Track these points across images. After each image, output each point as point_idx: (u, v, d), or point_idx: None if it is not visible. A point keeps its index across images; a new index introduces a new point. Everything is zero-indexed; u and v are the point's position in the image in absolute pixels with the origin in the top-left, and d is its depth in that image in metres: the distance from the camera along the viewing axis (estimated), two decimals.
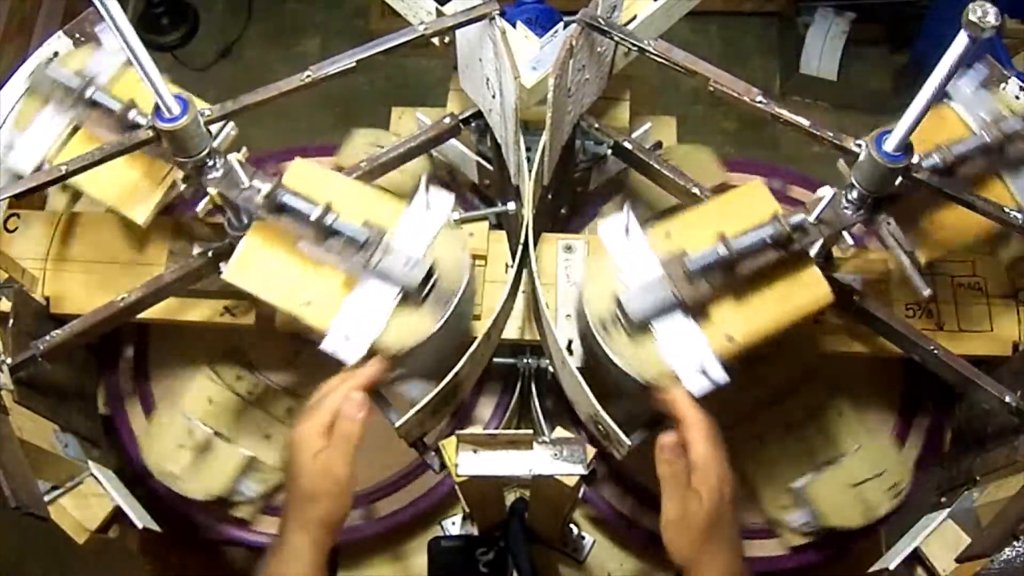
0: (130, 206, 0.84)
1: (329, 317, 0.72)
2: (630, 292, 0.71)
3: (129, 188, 0.84)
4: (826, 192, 0.73)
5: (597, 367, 0.77)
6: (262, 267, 0.75)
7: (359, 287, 0.73)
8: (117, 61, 0.85)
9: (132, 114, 0.80)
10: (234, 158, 0.75)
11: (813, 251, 0.81)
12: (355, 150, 1.11)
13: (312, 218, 0.71)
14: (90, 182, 0.82)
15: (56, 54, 0.90)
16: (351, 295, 0.73)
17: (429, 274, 0.72)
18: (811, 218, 0.72)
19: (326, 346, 0.72)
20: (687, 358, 0.70)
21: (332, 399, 0.72)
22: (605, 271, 0.74)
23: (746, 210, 0.74)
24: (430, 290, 0.73)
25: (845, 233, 0.75)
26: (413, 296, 0.72)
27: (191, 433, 0.97)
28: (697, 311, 0.72)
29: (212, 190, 0.76)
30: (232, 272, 0.75)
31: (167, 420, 0.99)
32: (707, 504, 0.67)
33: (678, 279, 0.70)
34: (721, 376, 0.70)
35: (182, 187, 0.81)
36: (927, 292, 0.74)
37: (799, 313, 0.73)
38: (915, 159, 0.69)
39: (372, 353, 0.72)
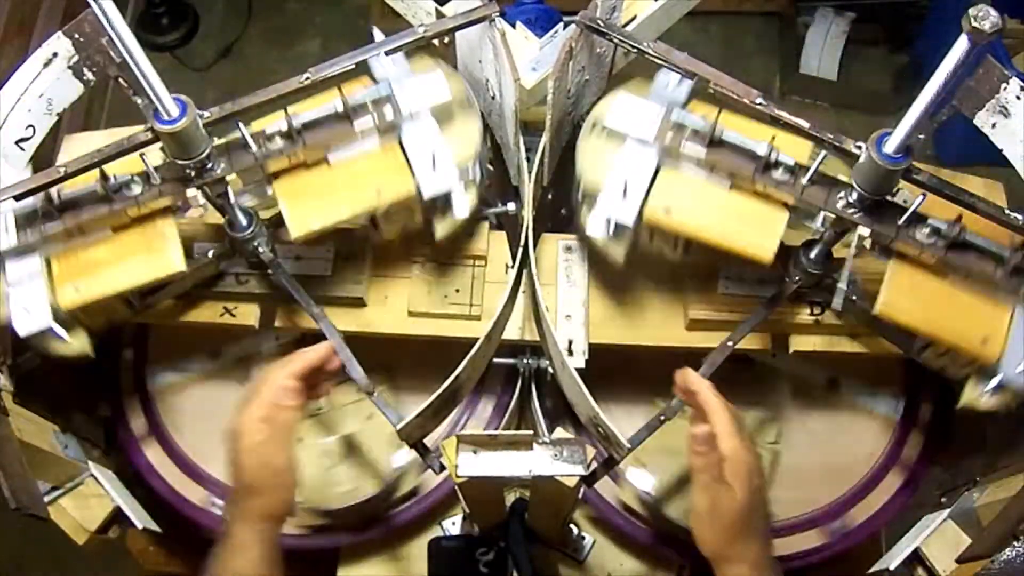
0: (162, 267, 0.80)
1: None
2: (624, 102, 0.77)
3: (149, 253, 0.80)
4: (823, 154, 0.74)
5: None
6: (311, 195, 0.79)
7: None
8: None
9: (112, 183, 0.76)
10: (241, 125, 0.76)
11: (814, 252, 0.81)
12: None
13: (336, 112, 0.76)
14: (109, 284, 0.78)
15: (56, 54, 0.90)
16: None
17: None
18: (804, 179, 0.73)
19: (427, 194, 0.77)
20: (629, 186, 0.75)
21: (268, 388, 0.71)
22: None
23: (753, 132, 0.76)
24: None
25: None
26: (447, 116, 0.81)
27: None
28: (664, 162, 0.76)
29: (228, 174, 0.75)
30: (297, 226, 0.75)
31: None
32: (739, 497, 0.67)
33: (664, 124, 0.76)
34: (628, 219, 0.75)
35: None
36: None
37: (734, 245, 0.76)
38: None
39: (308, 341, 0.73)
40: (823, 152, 0.73)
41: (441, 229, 0.84)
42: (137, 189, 0.76)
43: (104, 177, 0.75)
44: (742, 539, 0.67)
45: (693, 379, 0.73)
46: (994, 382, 0.75)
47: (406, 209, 0.83)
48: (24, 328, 0.75)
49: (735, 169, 0.75)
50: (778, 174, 0.75)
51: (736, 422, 0.69)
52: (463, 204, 0.81)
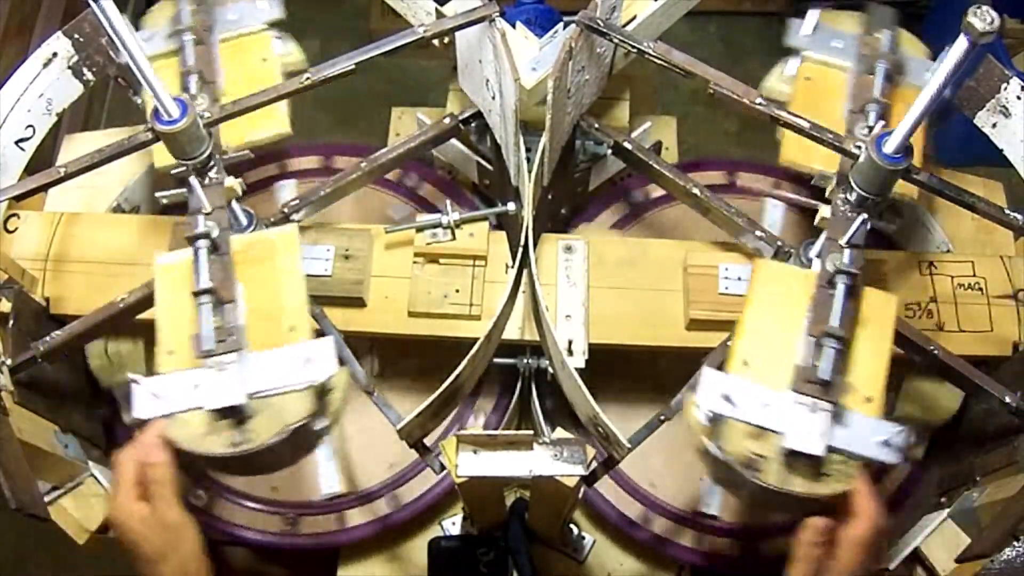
0: None
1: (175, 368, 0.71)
2: (793, 438, 0.67)
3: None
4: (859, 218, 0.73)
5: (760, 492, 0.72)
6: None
7: (197, 370, 0.70)
8: None
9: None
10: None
11: (813, 251, 0.81)
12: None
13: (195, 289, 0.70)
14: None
15: (56, 54, 0.90)
16: (189, 371, 0.70)
17: (244, 412, 0.68)
18: (844, 244, 0.72)
19: (132, 386, 0.70)
20: (866, 442, 0.68)
21: (124, 465, 0.70)
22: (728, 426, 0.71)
23: (778, 288, 0.73)
24: (241, 421, 0.69)
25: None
26: (220, 416, 0.69)
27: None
28: (836, 399, 0.69)
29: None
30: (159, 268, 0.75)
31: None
32: None
33: (815, 392, 0.68)
34: (900, 433, 0.68)
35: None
36: None
37: (892, 330, 0.73)
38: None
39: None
40: (862, 218, 0.72)
41: None
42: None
43: None
44: None
45: (864, 481, 0.69)
46: None
47: None
48: None
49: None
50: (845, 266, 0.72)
51: (875, 536, 0.67)
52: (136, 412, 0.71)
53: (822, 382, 0.68)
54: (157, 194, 0.80)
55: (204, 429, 0.68)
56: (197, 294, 0.70)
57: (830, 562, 0.67)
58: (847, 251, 0.72)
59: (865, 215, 0.72)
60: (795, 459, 0.67)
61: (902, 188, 0.79)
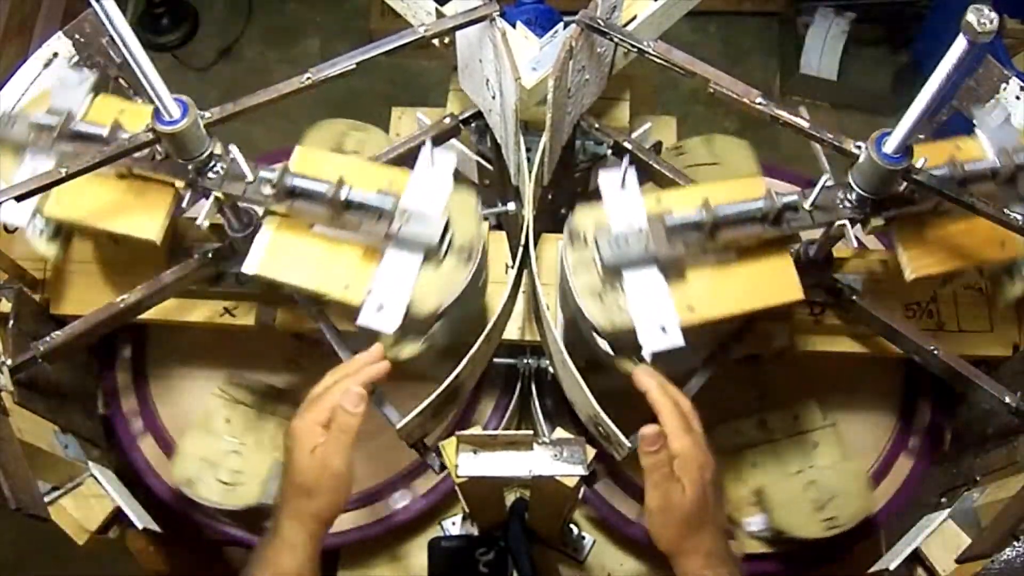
0: (140, 227, 0.82)
1: (362, 293, 0.73)
2: (610, 236, 0.72)
3: (134, 211, 0.82)
4: (826, 177, 0.73)
5: (574, 329, 0.78)
6: (287, 257, 0.75)
7: (384, 257, 0.73)
8: (83, 91, 0.83)
9: (122, 135, 0.77)
10: (236, 150, 0.75)
11: (813, 252, 0.81)
12: (319, 142, 1.11)
13: (328, 195, 0.71)
14: (89, 216, 0.81)
15: (56, 54, 0.90)
16: (378, 267, 0.73)
17: (446, 229, 0.73)
18: (807, 203, 0.72)
19: (361, 321, 0.72)
20: (649, 313, 0.71)
21: (332, 393, 0.72)
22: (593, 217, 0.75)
23: (741, 192, 0.74)
24: (448, 247, 0.74)
25: (849, 232, 0.75)
26: (434, 255, 0.73)
27: (218, 451, 0.97)
28: (669, 272, 0.73)
29: (216, 191, 0.75)
30: (259, 267, 0.75)
31: (193, 444, 0.98)
32: (689, 492, 0.68)
33: (658, 235, 0.71)
34: (678, 339, 0.70)
35: (186, 196, 0.81)
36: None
37: (764, 303, 0.74)
38: (923, 166, 0.69)
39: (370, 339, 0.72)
40: (824, 177, 0.73)
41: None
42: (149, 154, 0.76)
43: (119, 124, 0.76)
44: (695, 532, 0.69)
45: (642, 378, 0.72)
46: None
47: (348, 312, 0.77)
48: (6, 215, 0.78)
49: (740, 238, 0.73)
50: (788, 215, 0.73)
51: (685, 418, 0.70)
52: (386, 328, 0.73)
53: (668, 230, 0.71)
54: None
55: (436, 279, 0.73)
56: (336, 190, 0.72)
57: (671, 460, 0.69)
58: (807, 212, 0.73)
59: (830, 178, 0.73)
60: (607, 280, 0.73)
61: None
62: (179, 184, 0.78)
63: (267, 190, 0.73)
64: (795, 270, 0.75)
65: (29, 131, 0.79)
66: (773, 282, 0.74)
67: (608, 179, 0.76)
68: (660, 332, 0.71)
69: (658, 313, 0.71)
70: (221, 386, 1.02)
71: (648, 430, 0.69)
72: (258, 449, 0.99)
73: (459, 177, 0.85)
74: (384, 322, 0.71)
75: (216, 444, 0.97)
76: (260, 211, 0.79)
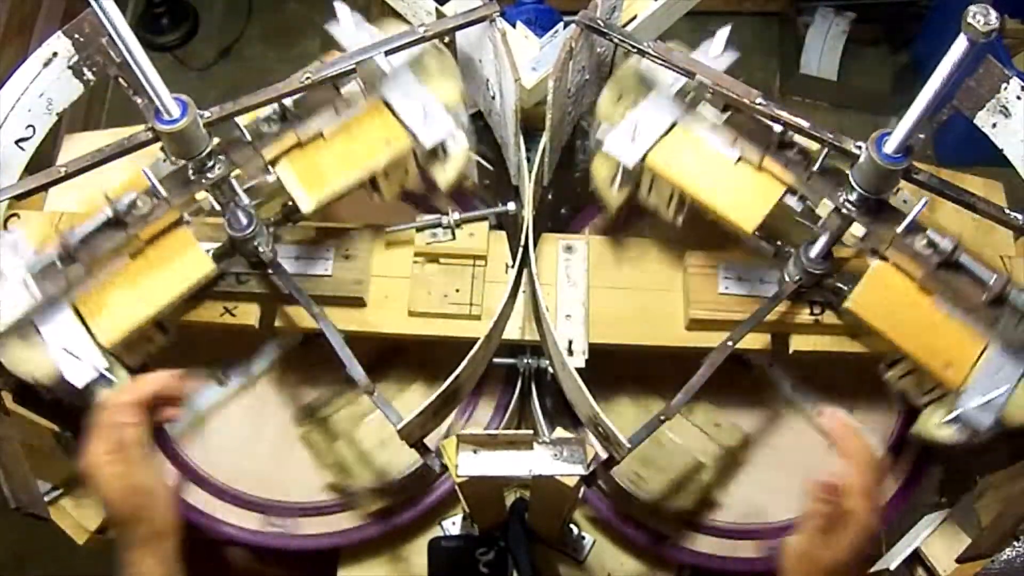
0: (193, 271, 0.81)
1: None
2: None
3: (173, 268, 0.80)
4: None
5: None
6: (321, 172, 0.81)
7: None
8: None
9: (121, 205, 0.76)
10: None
11: (815, 251, 0.81)
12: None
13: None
14: (145, 309, 0.79)
15: (55, 54, 0.90)
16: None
17: None
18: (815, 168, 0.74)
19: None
20: (639, 129, 0.79)
21: (100, 421, 0.70)
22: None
23: None
24: None
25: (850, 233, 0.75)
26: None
27: None
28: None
29: (227, 172, 0.76)
30: (310, 199, 0.80)
31: None
32: (841, 555, 0.66)
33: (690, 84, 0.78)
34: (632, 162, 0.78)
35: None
36: None
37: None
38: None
39: (146, 368, 0.72)
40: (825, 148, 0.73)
41: (444, 177, 0.86)
42: (145, 207, 0.76)
43: (110, 201, 0.75)
44: None
45: (836, 424, 0.70)
46: (952, 414, 0.74)
47: (401, 167, 0.85)
48: (80, 379, 0.74)
49: (747, 140, 0.76)
50: (791, 154, 0.76)
51: (875, 479, 0.68)
52: (460, 146, 0.84)
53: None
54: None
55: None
56: None
57: (841, 515, 0.67)
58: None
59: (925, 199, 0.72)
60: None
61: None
62: (185, 212, 0.78)
63: (271, 127, 0.77)
64: (768, 207, 0.78)
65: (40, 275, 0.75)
66: (743, 198, 0.79)
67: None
68: (629, 141, 0.78)
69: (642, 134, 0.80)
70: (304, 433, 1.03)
71: (831, 480, 0.67)
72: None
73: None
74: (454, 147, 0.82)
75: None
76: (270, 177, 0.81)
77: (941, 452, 1.00)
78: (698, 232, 0.87)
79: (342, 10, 0.83)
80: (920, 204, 0.71)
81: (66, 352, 0.73)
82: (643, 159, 0.81)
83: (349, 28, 0.83)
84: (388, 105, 0.82)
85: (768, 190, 0.78)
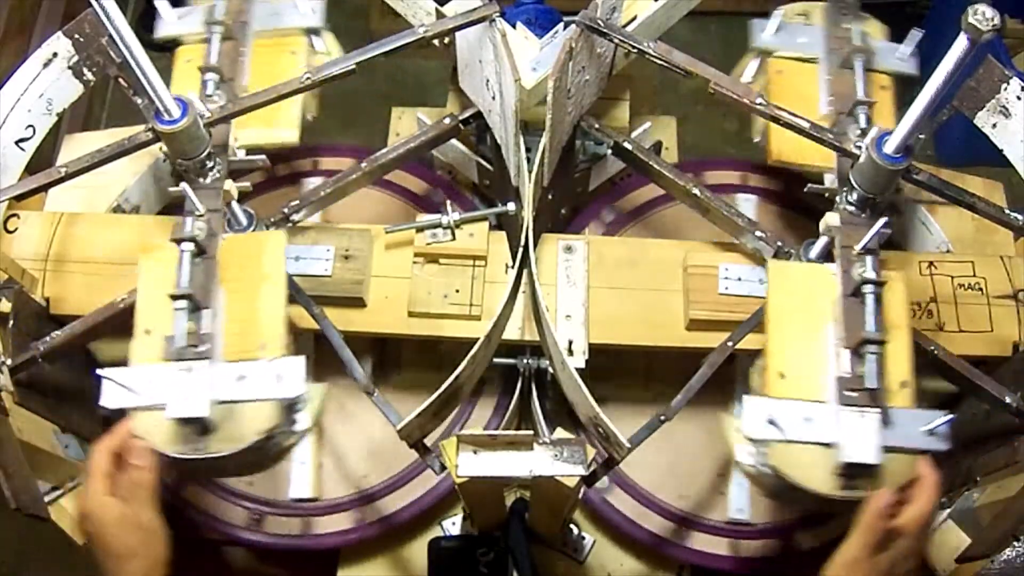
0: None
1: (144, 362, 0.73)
2: (848, 450, 0.70)
3: None
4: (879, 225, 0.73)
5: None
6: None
7: (169, 366, 0.71)
8: None
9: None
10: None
11: (814, 252, 0.81)
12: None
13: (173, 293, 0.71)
14: None
15: (55, 54, 0.90)
16: (162, 365, 0.72)
17: (206, 424, 0.70)
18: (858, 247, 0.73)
19: (109, 380, 0.71)
20: (915, 436, 0.72)
21: (95, 464, 0.71)
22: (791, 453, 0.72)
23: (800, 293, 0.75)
24: (204, 431, 0.71)
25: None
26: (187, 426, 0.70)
27: None
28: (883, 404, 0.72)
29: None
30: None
31: None
32: (884, 568, 0.69)
33: (862, 400, 0.71)
34: (944, 420, 0.71)
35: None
36: None
37: (907, 311, 0.75)
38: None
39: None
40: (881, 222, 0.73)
41: None
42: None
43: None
44: None
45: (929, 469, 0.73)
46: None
47: None
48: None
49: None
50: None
51: (932, 513, 0.71)
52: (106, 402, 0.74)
53: (869, 391, 0.70)
54: (171, 189, 0.79)
55: (169, 431, 0.69)
56: (175, 297, 0.71)
57: (892, 534, 0.69)
58: (868, 259, 0.73)
59: (884, 219, 0.72)
60: (852, 468, 0.69)
61: None
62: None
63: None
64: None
65: None
66: (898, 295, 0.75)
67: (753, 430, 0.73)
68: (928, 434, 0.72)
69: (915, 427, 0.73)
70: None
71: (892, 495, 0.70)
72: None
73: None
74: (110, 398, 0.72)
75: None
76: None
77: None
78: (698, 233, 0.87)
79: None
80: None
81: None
82: None
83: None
84: None
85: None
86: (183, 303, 0.71)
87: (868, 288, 0.72)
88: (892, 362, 0.73)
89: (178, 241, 0.73)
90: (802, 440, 0.71)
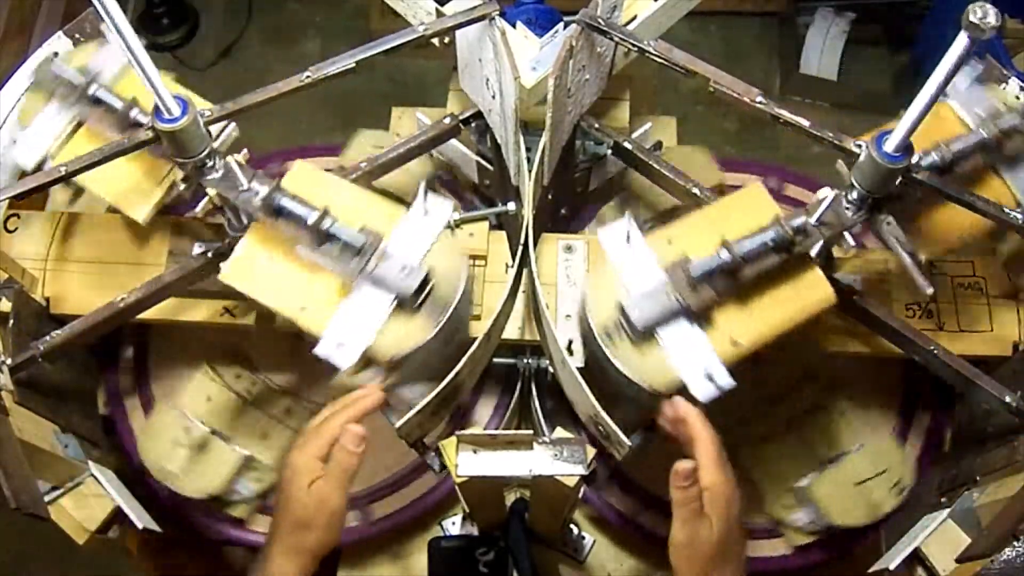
0: (130, 204, 0.84)
1: (325, 322, 0.72)
2: (633, 300, 0.71)
3: (130, 186, 0.84)
4: (826, 193, 0.73)
5: (600, 373, 0.76)
6: (259, 270, 0.75)
7: (354, 293, 0.73)
8: (120, 59, 0.85)
9: (134, 113, 0.80)
10: (233, 160, 0.75)
11: (814, 251, 0.81)
12: (359, 151, 1.11)
13: (309, 222, 0.71)
14: (91, 179, 0.81)
15: (56, 54, 0.89)
16: (345, 301, 0.73)
17: (425, 281, 0.72)
18: (812, 220, 0.71)
19: (319, 351, 0.71)
20: (693, 364, 0.70)
21: (331, 426, 0.72)
22: (607, 279, 0.74)
23: (747, 213, 0.74)
24: (425, 297, 0.73)
25: (846, 234, 0.75)
26: (408, 303, 0.72)
27: (188, 431, 0.97)
28: (701, 317, 0.72)
29: (211, 190, 0.76)
30: (229, 274, 0.75)
31: (165, 418, 0.98)
32: (717, 529, 0.68)
33: (681, 286, 0.70)
34: (727, 381, 0.70)
35: (182, 187, 0.82)
36: (930, 291, 0.73)
37: (804, 315, 0.73)
38: (914, 158, 0.69)
39: (369, 362, 0.72)
40: (824, 193, 0.73)
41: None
42: None
43: None
44: (718, 568, 0.69)
45: (682, 406, 0.72)
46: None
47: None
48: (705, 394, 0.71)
49: (762, 269, 0.72)
50: (799, 239, 0.72)
51: (720, 451, 0.70)
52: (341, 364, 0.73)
53: (691, 280, 0.70)
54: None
55: (404, 326, 0.72)
56: (321, 238, 0.72)
57: (701, 494, 0.69)
58: (815, 229, 0.72)
59: (834, 193, 0.72)
60: (640, 340, 0.71)
61: None
62: (179, 176, 0.78)
63: (256, 202, 0.73)
64: (822, 274, 0.74)
65: (56, 83, 0.81)
66: (805, 293, 0.73)
67: (610, 236, 0.74)
68: (708, 380, 0.70)
69: (701, 362, 0.71)
70: (216, 366, 1.02)
71: (683, 465, 0.69)
72: (232, 438, 0.99)
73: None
74: (340, 358, 0.71)
75: (183, 422, 0.97)
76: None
77: (941, 449, 1.01)
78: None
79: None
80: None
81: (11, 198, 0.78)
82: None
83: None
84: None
85: (810, 277, 0.74)
86: (326, 244, 0.72)
87: (796, 244, 0.71)
88: (747, 319, 0.72)
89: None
90: (622, 266, 0.73)
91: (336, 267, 0.73)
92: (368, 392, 0.74)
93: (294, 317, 0.73)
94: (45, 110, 0.84)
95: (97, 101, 0.81)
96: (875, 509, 0.93)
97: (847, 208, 0.73)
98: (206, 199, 0.78)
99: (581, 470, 0.71)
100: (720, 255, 0.70)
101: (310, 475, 0.70)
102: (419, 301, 0.72)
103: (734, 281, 0.71)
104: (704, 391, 0.70)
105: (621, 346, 0.72)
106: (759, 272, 0.71)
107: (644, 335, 0.71)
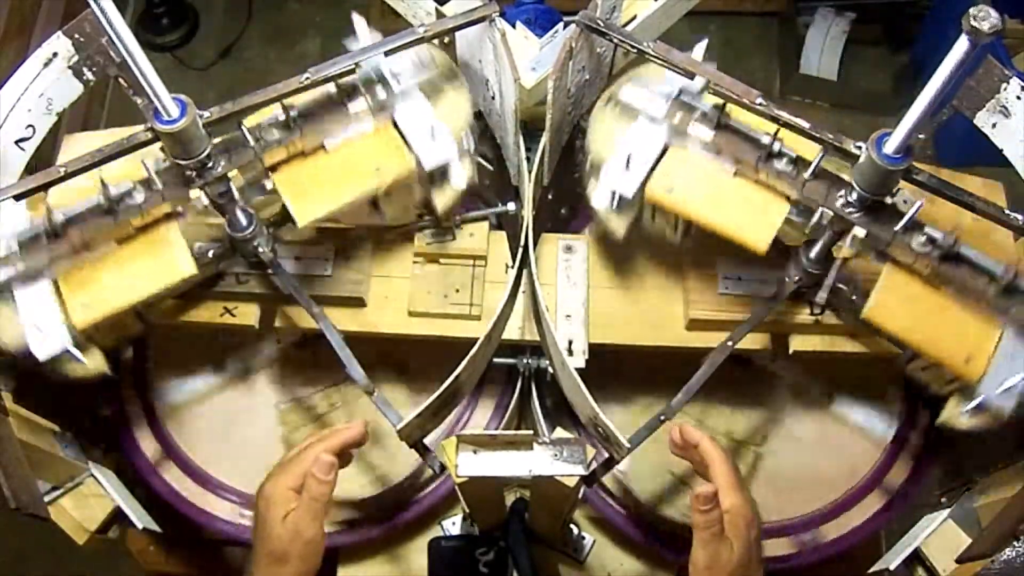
0: (169, 274, 0.79)
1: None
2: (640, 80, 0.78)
3: (154, 264, 0.79)
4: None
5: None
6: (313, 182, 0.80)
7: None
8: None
9: (113, 192, 0.76)
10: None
11: (814, 252, 0.81)
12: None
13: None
14: (117, 298, 0.77)
15: (55, 54, 0.89)
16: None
17: None
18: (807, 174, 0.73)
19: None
20: (633, 159, 0.76)
21: (305, 457, 0.72)
22: None
23: None
24: None
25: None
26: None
27: None
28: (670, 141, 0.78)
29: (227, 170, 0.76)
30: (301, 213, 0.79)
31: None
32: (737, 551, 0.69)
33: (676, 107, 0.77)
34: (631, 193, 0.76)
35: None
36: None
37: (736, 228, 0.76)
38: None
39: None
40: (824, 148, 0.73)
41: (441, 201, 0.85)
42: (139, 197, 0.75)
43: (105, 187, 0.74)
44: None
45: (693, 433, 0.73)
46: (974, 403, 0.74)
47: (406, 187, 0.84)
48: (43, 352, 0.74)
49: (739, 155, 0.75)
50: (780, 165, 0.75)
51: (736, 473, 0.71)
52: (461, 174, 0.84)
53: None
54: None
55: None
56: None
57: (721, 517, 0.70)
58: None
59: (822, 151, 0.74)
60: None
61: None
62: (178, 207, 0.78)
63: (274, 134, 0.76)
64: (777, 223, 0.76)
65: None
66: (751, 217, 0.76)
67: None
68: (624, 172, 0.77)
69: (636, 164, 0.77)
70: (283, 413, 1.03)
71: (705, 489, 0.70)
72: None
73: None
74: (455, 174, 0.83)
75: None
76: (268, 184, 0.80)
77: (941, 448, 1.01)
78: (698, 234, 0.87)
79: (359, 24, 0.82)
80: (918, 204, 0.71)
81: (33, 325, 0.74)
82: (642, 187, 0.78)
83: (367, 41, 0.81)
84: (396, 125, 0.81)
85: (772, 206, 0.76)
86: None
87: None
88: None
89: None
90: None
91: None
92: (350, 426, 0.75)
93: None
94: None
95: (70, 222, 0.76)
96: None
97: (847, 208, 0.73)
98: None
99: (581, 470, 0.71)
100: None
101: (284, 506, 0.70)
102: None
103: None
104: (603, 192, 0.78)
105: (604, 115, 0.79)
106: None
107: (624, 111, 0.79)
